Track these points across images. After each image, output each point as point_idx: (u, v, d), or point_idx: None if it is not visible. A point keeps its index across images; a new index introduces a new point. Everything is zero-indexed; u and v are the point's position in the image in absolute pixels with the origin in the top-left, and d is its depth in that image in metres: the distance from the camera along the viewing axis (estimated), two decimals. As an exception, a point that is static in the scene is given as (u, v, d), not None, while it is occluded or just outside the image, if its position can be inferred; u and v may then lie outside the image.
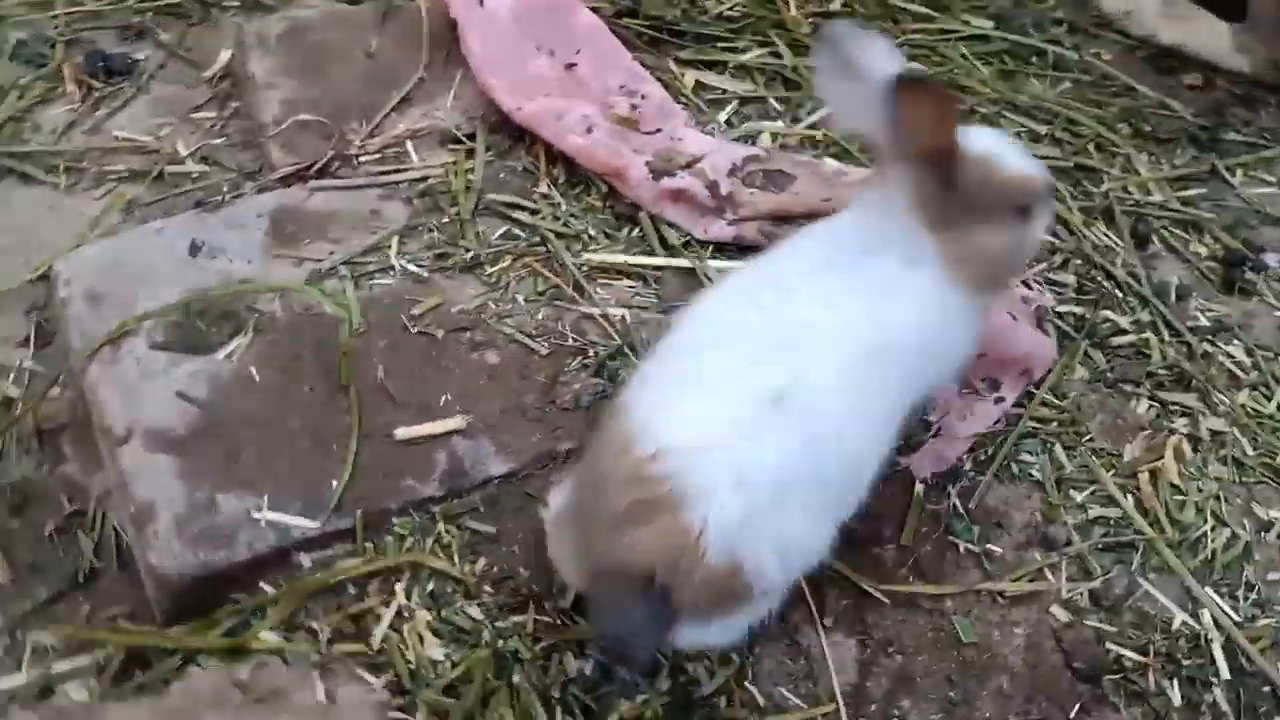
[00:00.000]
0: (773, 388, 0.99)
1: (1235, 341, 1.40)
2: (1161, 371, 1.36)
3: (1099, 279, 1.45)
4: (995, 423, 1.29)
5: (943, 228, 1.03)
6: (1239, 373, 1.37)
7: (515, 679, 1.08)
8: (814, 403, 0.99)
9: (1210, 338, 1.40)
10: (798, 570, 1.07)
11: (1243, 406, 1.34)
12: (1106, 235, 1.49)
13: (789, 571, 1.05)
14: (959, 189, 1.03)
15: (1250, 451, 1.30)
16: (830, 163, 1.48)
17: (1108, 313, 1.41)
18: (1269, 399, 1.34)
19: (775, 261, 1.09)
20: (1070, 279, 1.44)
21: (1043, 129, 1.60)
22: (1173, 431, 1.31)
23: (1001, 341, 1.30)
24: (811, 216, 1.39)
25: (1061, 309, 1.41)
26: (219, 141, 1.53)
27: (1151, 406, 1.33)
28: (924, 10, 1.73)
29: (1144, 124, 1.62)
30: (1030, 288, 1.40)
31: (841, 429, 1.00)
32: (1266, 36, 1.63)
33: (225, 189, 1.47)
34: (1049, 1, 1.79)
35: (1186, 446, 1.30)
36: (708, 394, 1.00)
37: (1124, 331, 1.39)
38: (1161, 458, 1.28)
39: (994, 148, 1.06)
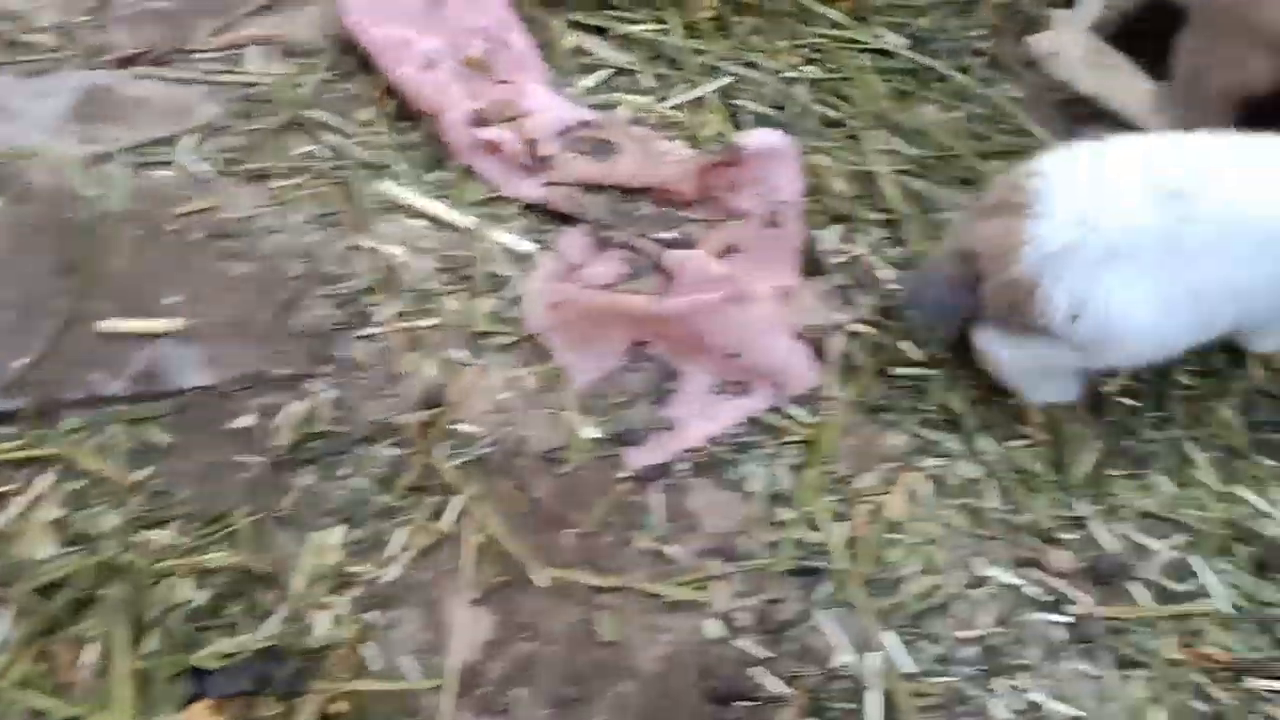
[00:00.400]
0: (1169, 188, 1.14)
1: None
2: (932, 410, 1.27)
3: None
4: (734, 426, 1.23)
5: None
6: (1016, 424, 1.27)
7: (114, 593, 1.05)
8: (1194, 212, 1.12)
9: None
10: (1097, 347, 1.16)
11: (1010, 457, 1.24)
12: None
13: (1087, 337, 1.14)
14: None
15: (998, 504, 1.20)
16: (664, 144, 1.43)
17: (905, 344, 1.33)
18: (1036, 457, 1.23)
19: None
20: (871, 301, 1.34)
21: (913, 152, 1.51)
22: (919, 470, 1.22)
23: (757, 348, 1.23)
24: (626, 191, 1.36)
25: (858, 329, 1.32)
26: (82, 19, 1.54)
27: (911, 440, 1.24)
28: (840, 18, 1.66)
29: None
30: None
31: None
32: (1181, 100, 1.50)
33: (57, 62, 1.50)
34: (980, 31, 1.69)
35: (927, 487, 1.20)
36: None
37: (913, 363, 1.31)
38: (889, 493, 1.20)
39: None
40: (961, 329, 1.25)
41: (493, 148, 1.39)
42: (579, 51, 1.58)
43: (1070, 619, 1.13)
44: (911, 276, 1.31)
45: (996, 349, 1.23)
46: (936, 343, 1.30)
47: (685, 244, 1.29)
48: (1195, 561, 1.18)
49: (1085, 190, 1.15)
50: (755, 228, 1.28)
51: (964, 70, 1.62)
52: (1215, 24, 1.45)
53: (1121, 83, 1.59)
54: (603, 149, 1.41)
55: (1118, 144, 1.22)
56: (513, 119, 1.41)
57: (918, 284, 1.27)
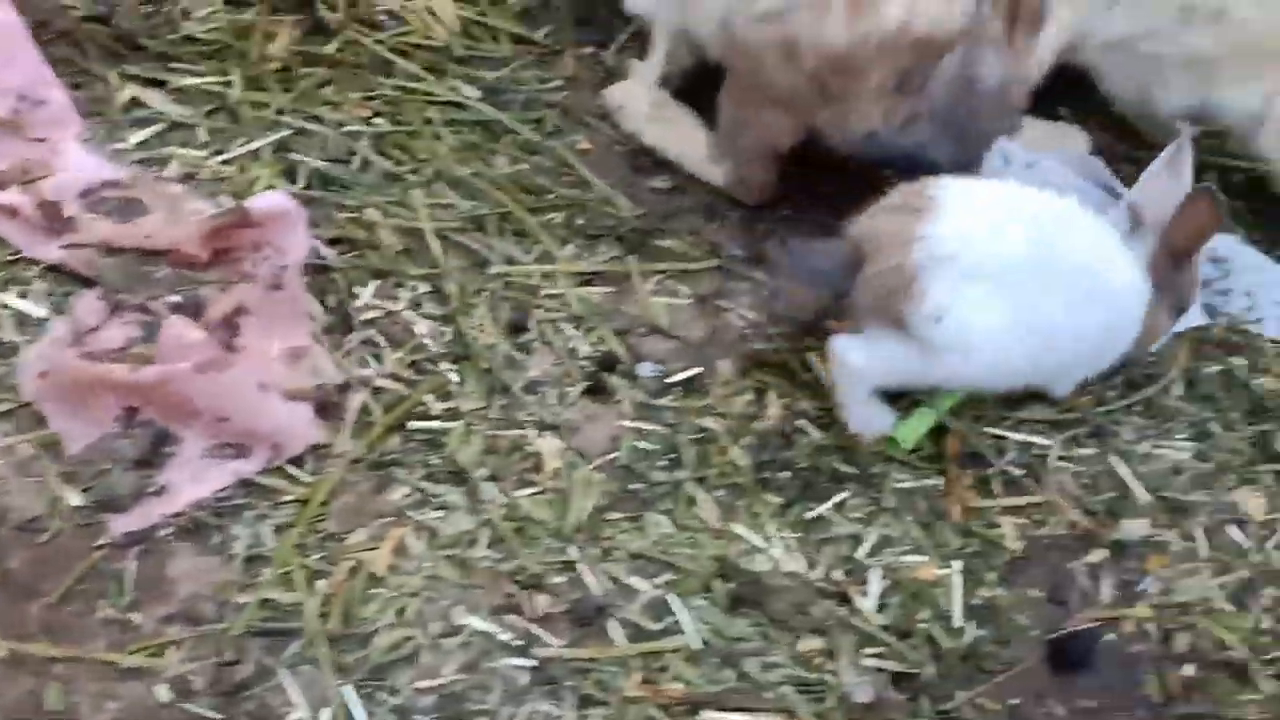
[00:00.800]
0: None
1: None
2: (440, 463, 1.30)
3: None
4: (222, 489, 1.24)
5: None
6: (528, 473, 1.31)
7: None
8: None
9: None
10: (944, 355, 1.30)
11: (513, 506, 1.28)
12: (482, 320, 1.45)
13: (940, 341, 1.29)
14: None
15: (489, 553, 1.23)
16: (197, 203, 1.44)
17: (428, 397, 1.38)
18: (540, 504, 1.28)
19: None
20: (400, 356, 1.37)
21: (467, 205, 1.55)
22: (414, 523, 1.24)
23: (247, 410, 1.24)
24: (146, 252, 1.35)
25: (383, 384, 1.34)
26: None
27: (412, 495, 1.27)
28: (417, 70, 1.70)
29: (579, 218, 1.57)
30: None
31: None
32: (728, 153, 1.59)
33: None
34: (558, 83, 1.76)
35: (420, 540, 1.23)
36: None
37: (431, 417, 1.35)
38: (377, 548, 1.23)
39: None
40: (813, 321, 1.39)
41: (10, 211, 1.37)
42: (135, 104, 1.57)
43: (536, 662, 1.18)
44: (798, 245, 1.38)
45: (851, 354, 1.35)
46: (791, 321, 1.42)
47: (192, 307, 1.30)
48: (673, 600, 1.26)
49: (976, 213, 1.33)
50: (261, 290, 1.29)
51: (536, 122, 1.68)
52: (738, 84, 1.55)
53: (680, 134, 1.67)
54: (130, 209, 1.40)
55: (1009, 185, 1.42)
56: (34, 180, 1.39)
57: (803, 251, 1.35)
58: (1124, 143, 1.90)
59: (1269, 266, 1.73)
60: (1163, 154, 1.48)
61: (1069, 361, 1.42)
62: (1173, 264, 1.44)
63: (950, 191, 1.34)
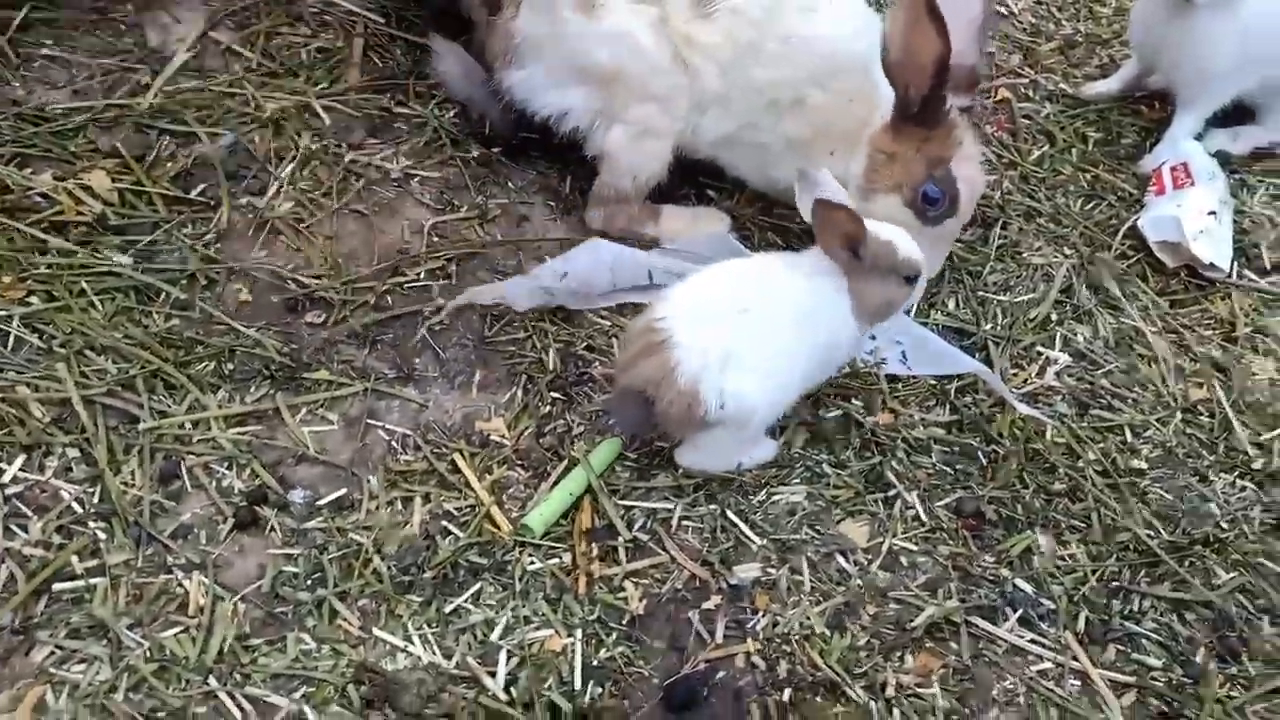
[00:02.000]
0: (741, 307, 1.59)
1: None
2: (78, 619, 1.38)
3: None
4: None
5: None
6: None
7: None
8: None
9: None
10: (745, 419, 1.58)
11: (147, 651, 1.38)
12: (131, 474, 1.55)
13: (733, 417, 1.55)
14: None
15: (124, 698, 1.32)
16: None
17: (76, 557, 1.46)
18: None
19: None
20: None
21: (117, 368, 1.64)
22: (54, 679, 1.32)
23: None
24: None
25: (32, 552, 1.42)
26: None
27: (50, 655, 1.34)
28: (69, 244, 1.78)
29: (228, 364, 1.68)
30: None
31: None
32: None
33: None
34: (209, 236, 1.86)
35: (59, 697, 1.31)
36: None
37: (80, 576, 1.43)
38: (15, 710, 1.30)
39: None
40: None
41: None
42: None
43: (169, 795, 1.27)
44: (614, 398, 1.63)
45: (689, 458, 1.63)
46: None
47: None
48: (309, 711, 1.34)
49: (692, 320, 1.56)
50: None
51: (190, 278, 1.79)
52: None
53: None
54: None
55: (704, 275, 1.65)
56: None
57: (617, 405, 1.60)
58: (765, 214, 2.14)
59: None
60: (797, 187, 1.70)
61: (816, 370, 1.68)
62: (852, 256, 1.65)
63: (667, 315, 1.57)
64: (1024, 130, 2.47)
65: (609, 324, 1.82)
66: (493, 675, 1.38)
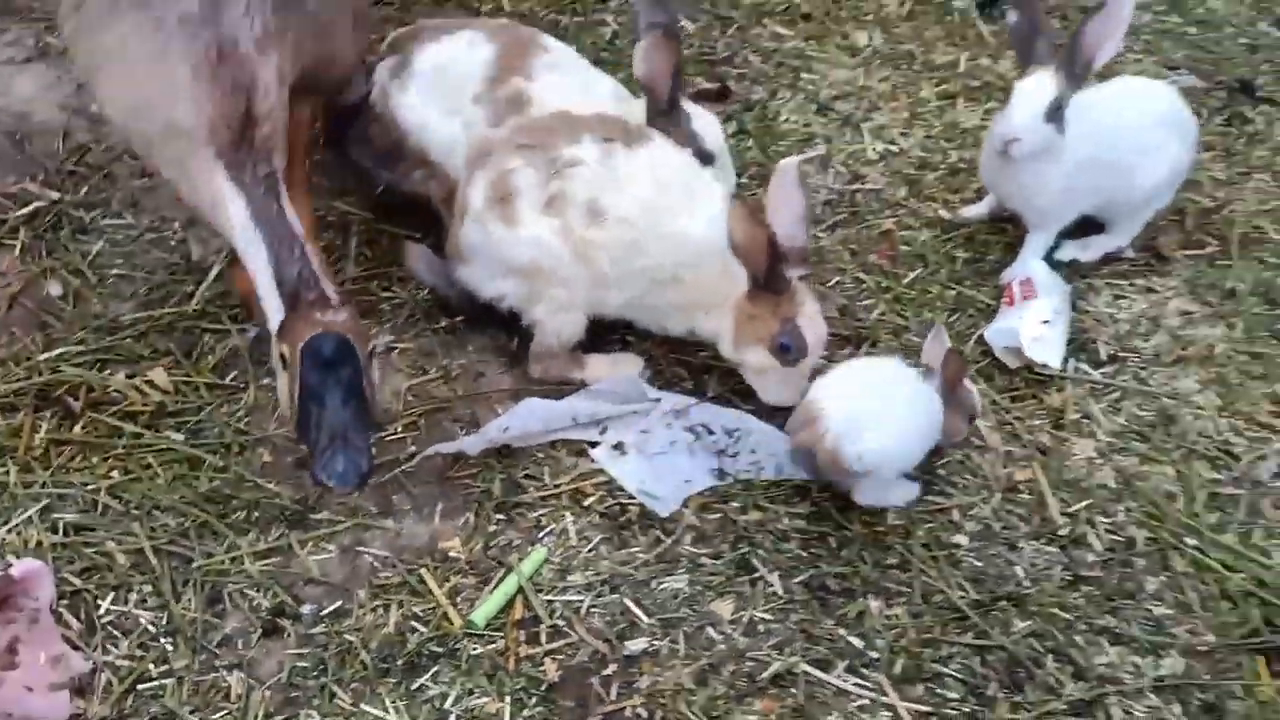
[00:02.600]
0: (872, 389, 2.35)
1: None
2: None
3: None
4: None
5: None
6: None
7: None
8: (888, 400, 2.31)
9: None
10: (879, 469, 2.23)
11: None
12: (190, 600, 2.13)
13: (871, 465, 2.20)
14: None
15: None
16: None
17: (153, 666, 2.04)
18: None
19: None
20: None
21: (176, 522, 2.26)
22: None
23: (19, 705, 1.89)
24: None
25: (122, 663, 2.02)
26: None
27: None
28: (139, 429, 2.41)
29: (255, 511, 2.27)
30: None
31: None
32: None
33: None
34: (240, 412, 2.48)
35: None
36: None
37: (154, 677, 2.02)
38: None
39: None
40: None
41: None
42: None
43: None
44: (791, 453, 2.29)
45: (861, 497, 2.27)
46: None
47: (-18, 640, 1.96)
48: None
49: (837, 398, 2.20)
50: (26, 624, 1.95)
51: (226, 448, 2.41)
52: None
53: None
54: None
55: (847, 367, 2.36)
56: None
57: (795, 458, 2.27)
58: (675, 353, 2.67)
59: (769, 430, 2.47)
60: (930, 336, 2.38)
61: (924, 440, 2.30)
62: (951, 391, 2.30)
63: (821, 398, 2.24)
64: (902, 257, 2.99)
65: (543, 455, 2.37)
66: (439, 736, 1.93)
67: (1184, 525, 2.35)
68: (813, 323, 2.38)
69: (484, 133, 2.44)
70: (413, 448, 2.35)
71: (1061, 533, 2.33)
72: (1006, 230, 3.03)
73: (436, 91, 2.52)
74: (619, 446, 2.35)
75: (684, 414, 2.42)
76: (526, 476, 2.32)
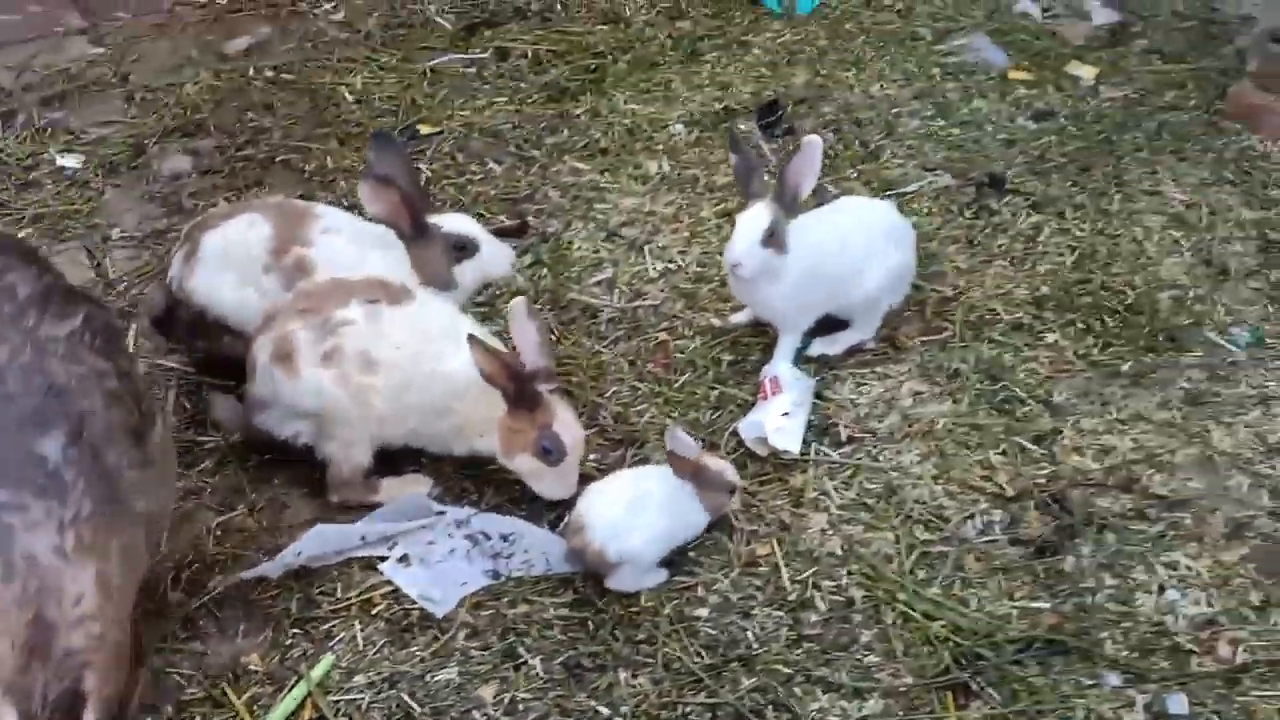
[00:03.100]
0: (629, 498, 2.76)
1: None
2: None
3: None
4: None
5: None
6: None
7: None
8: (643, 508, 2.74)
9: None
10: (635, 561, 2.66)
11: None
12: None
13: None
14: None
15: None
16: None
17: None
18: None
19: None
20: None
21: None
22: None
23: None
24: None
25: None
26: None
27: None
28: None
29: None
30: None
31: None
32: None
33: None
34: None
35: None
36: None
37: None
38: None
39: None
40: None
41: None
42: None
43: None
44: (568, 554, 2.70)
45: (625, 584, 2.67)
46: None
47: None
48: None
49: (599, 509, 2.66)
50: None
51: None
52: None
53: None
54: None
55: (608, 480, 2.78)
56: None
57: (572, 558, 2.70)
58: (463, 470, 3.03)
59: (540, 532, 2.84)
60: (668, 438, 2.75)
61: (676, 536, 2.74)
62: (696, 480, 2.73)
63: (585, 507, 2.69)
64: (675, 363, 3.40)
65: (337, 572, 2.71)
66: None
67: (896, 583, 2.76)
68: (567, 426, 2.78)
69: (278, 298, 2.82)
70: (220, 576, 2.67)
71: (791, 598, 2.73)
72: (766, 333, 3.47)
73: (227, 270, 2.92)
74: (404, 559, 2.70)
75: (465, 524, 2.79)
76: (321, 593, 2.65)
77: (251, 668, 2.49)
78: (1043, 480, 3.06)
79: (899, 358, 3.44)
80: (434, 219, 2.98)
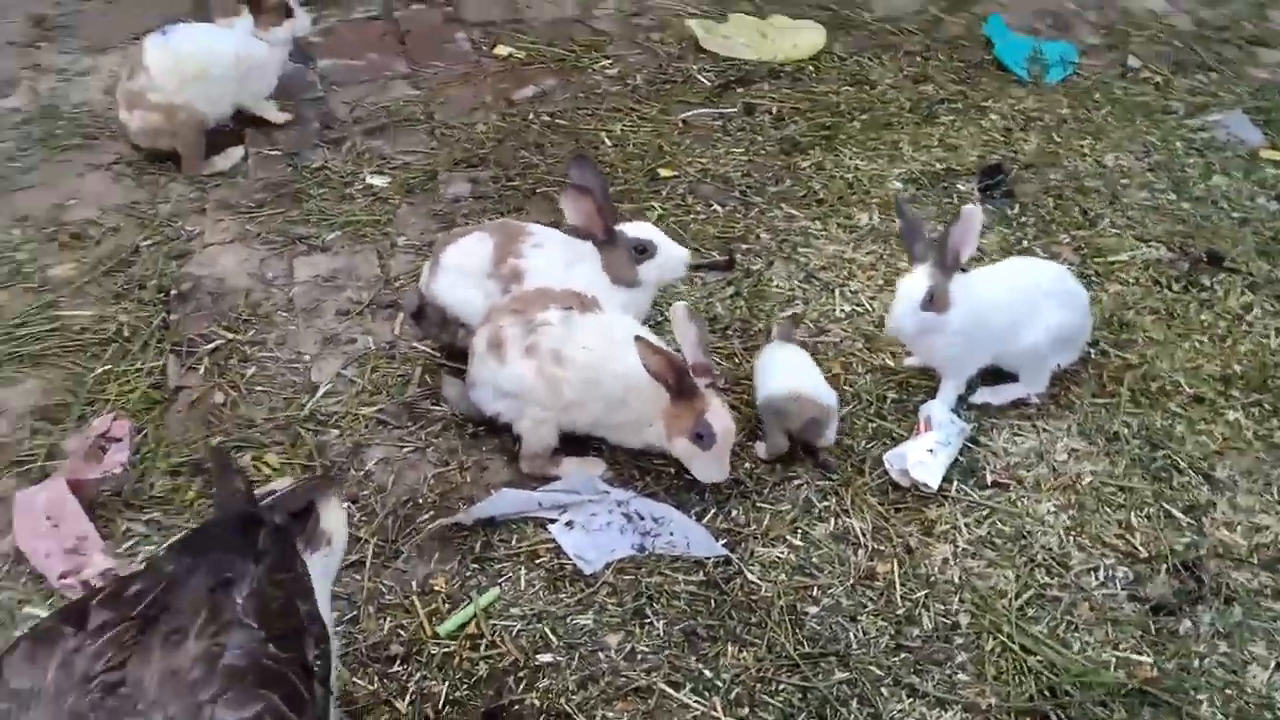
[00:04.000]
0: None
1: None
2: None
3: None
4: None
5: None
6: None
7: None
8: None
9: None
10: None
11: None
12: None
13: None
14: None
15: None
16: None
17: None
18: None
19: None
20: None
21: None
22: None
23: None
24: None
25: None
26: None
27: None
28: None
29: None
30: None
31: None
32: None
33: None
34: None
35: None
36: None
37: None
38: None
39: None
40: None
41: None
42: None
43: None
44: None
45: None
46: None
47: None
48: None
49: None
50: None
51: None
52: None
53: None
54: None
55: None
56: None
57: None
58: (634, 459, 3.50)
59: (686, 520, 3.25)
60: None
61: None
62: None
63: None
64: (843, 395, 3.72)
65: (515, 526, 3.25)
66: (402, 703, 2.82)
67: (1003, 615, 2.95)
68: (719, 416, 3.19)
69: (497, 300, 3.45)
70: (428, 515, 3.29)
71: (899, 612, 2.99)
72: (933, 379, 3.71)
73: (461, 277, 3.57)
74: (569, 524, 3.21)
75: (625, 503, 3.27)
76: (500, 540, 3.20)
77: (436, 588, 3.08)
78: (1180, 548, 3.14)
79: (1061, 415, 3.60)
80: (621, 226, 3.51)
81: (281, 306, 4.05)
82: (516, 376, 3.28)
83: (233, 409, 3.64)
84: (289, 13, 4.80)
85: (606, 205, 3.48)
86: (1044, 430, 3.54)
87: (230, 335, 3.91)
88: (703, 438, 3.17)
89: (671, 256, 3.52)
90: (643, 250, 3.48)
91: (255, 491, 2.50)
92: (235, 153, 4.80)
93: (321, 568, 2.39)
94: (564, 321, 3.25)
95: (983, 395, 3.64)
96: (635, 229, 3.52)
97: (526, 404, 3.30)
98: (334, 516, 2.51)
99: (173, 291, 4.09)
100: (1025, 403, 3.63)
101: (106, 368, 3.76)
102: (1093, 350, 3.82)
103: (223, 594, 2.04)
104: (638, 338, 3.10)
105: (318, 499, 2.49)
